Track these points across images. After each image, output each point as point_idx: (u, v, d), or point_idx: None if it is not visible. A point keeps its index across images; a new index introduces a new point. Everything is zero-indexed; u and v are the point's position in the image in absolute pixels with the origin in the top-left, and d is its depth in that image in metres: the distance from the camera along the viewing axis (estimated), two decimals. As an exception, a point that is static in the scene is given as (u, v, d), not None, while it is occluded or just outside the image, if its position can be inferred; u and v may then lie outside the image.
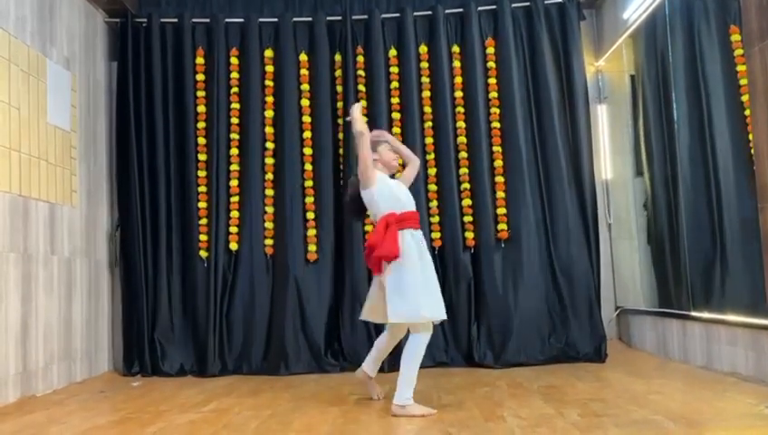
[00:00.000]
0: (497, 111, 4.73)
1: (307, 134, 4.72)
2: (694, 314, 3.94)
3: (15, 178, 3.65)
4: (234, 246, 4.64)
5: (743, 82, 3.47)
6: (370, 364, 3.38)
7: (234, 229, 4.66)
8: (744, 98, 3.42)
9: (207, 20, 4.83)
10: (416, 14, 4.83)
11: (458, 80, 4.77)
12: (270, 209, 4.68)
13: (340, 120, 4.74)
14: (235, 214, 4.67)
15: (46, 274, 3.91)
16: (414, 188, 4.58)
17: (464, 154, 4.71)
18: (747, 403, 2.87)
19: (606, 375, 3.90)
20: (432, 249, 4.60)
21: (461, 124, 4.73)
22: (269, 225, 4.67)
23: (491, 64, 4.78)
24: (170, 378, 4.38)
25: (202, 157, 4.71)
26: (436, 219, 4.66)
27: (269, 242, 4.66)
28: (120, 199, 4.70)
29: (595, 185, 4.75)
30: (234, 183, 4.69)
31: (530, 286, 4.54)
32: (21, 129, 3.73)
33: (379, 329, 4.42)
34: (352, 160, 4.60)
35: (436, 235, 4.64)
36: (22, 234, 3.69)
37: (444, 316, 3.09)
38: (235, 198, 4.69)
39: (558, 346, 4.45)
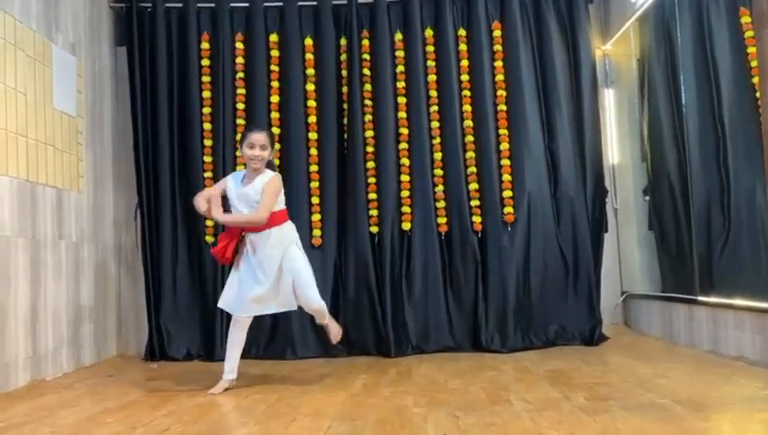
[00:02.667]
0: (504, 94, 4.70)
1: (312, 119, 4.71)
2: (700, 298, 3.93)
3: (23, 163, 3.66)
4: (240, 231, 4.65)
5: (753, 64, 3.44)
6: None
7: (240, 215, 4.66)
8: (755, 80, 3.39)
9: (212, 4, 4.80)
10: (422, -3, 4.80)
11: (464, 63, 4.74)
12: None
13: (345, 105, 4.72)
14: (241, 199, 4.67)
15: (54, 259, 3.93)
16: (420, 174, 4.63)
17: (470, 138, 4.69)
18: (754, 387, 2.87)
19: (612, 359, 3.91)
20: (438, 234, 4.61)
21: (467, 108, 4.71)
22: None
23: (497, 48, 4.75)
24: (177, 362, 4.40)
25: (208, 142, 4.71)
26: (442, 204, 4.65)
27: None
28: (137, 183, 4.65)
29: (603, 170, 4.73)
30: (240, 168, 4.69)
31: (536, 270, 4.56)
32: (28, 114, 3.73)
33: (385, 313, 4.44)
34: (356, 145, 4.61)
35: (442, 219, 4.64)
36: (29, 219, 3.70)
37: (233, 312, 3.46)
38: (241, 184, 4.68)
39: (557, 330, 4.48)
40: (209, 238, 4.62)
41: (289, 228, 3.48)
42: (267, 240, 3.36)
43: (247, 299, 3.38)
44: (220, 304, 3.53)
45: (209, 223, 4.62)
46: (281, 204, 3.46)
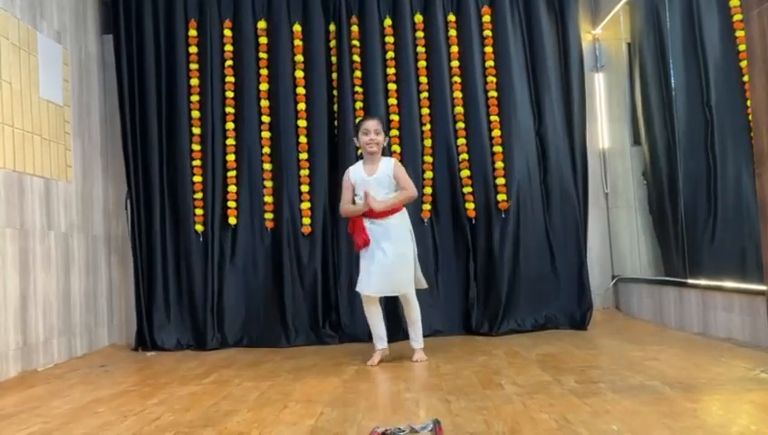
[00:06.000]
0: (494, 79, 4.70)
1: (301, 106, 4.68)
2: (690, 281, 3.96)
3: (9, 153, 3.63)
4: (232, 220, 4.63)
5: (742, 47, 3.44)
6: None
7: (232, 204, 4.65)
8: (743, 64, 3.40)
9: (199, -9, 4.76)
10: (411, -18, 4.77)
11: (454, 49, 4.73)
12: (269, 184, 4.66)
13: (335, 92, 4.70)
14: (232, 188, 4.65)
15: (43, 249, 3.91)
16: (411, 161, 4.63)
17: (461, 124, 4.69)
18: (743, 368, 2.90)
19: (603, 343, 3.93)
20: (429, 220, 4.62)
21: (458, 94, 4.70)
22: (268, 199, 4.65)
23: (487, 33, 4.74)
24: (168, 352, 4.40)
25: (196, 130, 4.67)
26: (428, 190, 4.65)
27: (269, 216, 4.64)
28: (126, 172, 4.63)
29: (586, 154, 4.74)
30: (230, 157, 4.66)
31: (527, 255, 4.59)
32: (13, 103, 3.69)
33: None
34: (346, 132, 4.60)
35: (427, 206, 4.63)
36: (18, 210, 3.68)
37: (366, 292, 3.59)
38: (232, 173, 4.66)
39: (548, 314, 4.51)
40: (199, 227, 4.60)
41: (406, 214, 3.67)
42: (394, 224, 3.57)
43: (375, 279, 3.53)
44: (358, 289, 3.63)
45: (198, 212, 4.61)
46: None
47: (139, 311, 4.53)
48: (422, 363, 3.52)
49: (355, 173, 3.66)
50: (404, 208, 3.66)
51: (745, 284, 3.43)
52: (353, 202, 3.65)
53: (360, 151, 3.90)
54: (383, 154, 3.70)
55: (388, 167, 3.61)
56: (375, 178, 3.58)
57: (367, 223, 3.56)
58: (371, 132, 3.59)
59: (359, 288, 3.64)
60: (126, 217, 4.67)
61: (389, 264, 3.52)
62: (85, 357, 4.23)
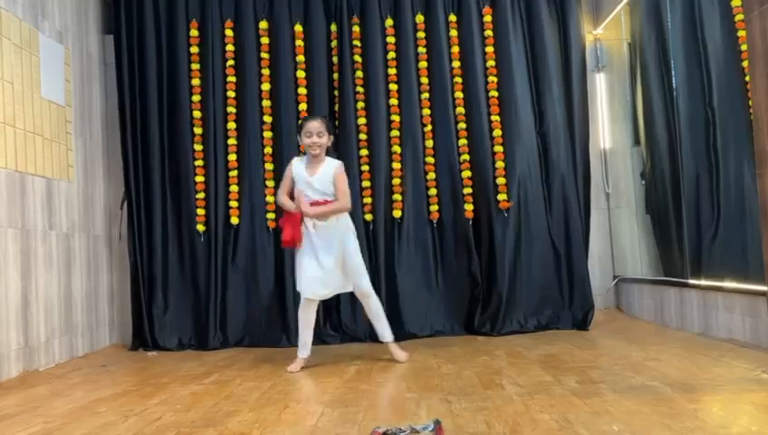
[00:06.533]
0: (495, 80, 4.70)
1: (303, 106, 4.69)
2: (691, 281, 3.95)
3: (11, 153, 3.63)
4: (234, 220, 4.64)
5: (744, 47, 3.44)
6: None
7: (234, 204, 4.65)
8: (745, 64, 3.39)
9: (201, -9, 4.76)
10: (412, -18, 4.77)
11: (455, 49, 4.73)
12: (271, 183, 4.66)
13: (336, 92, 4.71)
14: (234, 188, 4.65)
15: (45, 249, 3.92)
16: (412, 162, 4.63)
17: (462, 125, 4.69)
18: (744, 368, 2.90)
19: (604, 343, 3.93)
20: (430, 222, 4.63)
21: (459, 95, 4.70)
22: (270, 198, 4.65)
23: (488, 33, 4.74)
24: (170, 352, 4.40)
25: (198, 130, 4.68)
26: (433, 192, 4.66)
27: (271, 216, 4.64)
28: (124, 174, 4.65)
29: (588, 154, 4.74)
30: (232, 157, 4.67)
31: (528, 256, 4.59)
32: (15, 103, 3.70)
33: (380, 300, 4.45)
34: (347, 133, 4.60)
35: (434, 207, 4.64)
36: (19, 209, 3.68)
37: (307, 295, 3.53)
38: (234, 173, 4.67)
39: (550, 314, 4.51)
40: (201, 227, 4.60)
41: (346, 216, 3.60)
42: (329, 226, 3.51)
43: (314, 282, 3.51)
44: (298, 288, 3.58)
45: (200, 211, 4.62)
46: None
47: (140, 311, 4.53)
48: (422, 363, 3.51)
49: (297, 167, 3.57)
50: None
51: (746, 284, 3.43)
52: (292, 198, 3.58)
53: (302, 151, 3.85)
54: (328, 154, 3.61)
55: (330, 169, 3.52)
56: (315, 179, 3.50)
57: (309, 223, 3.50)
58: (314, 135, 3.49)
59: (303, 290, 3.54)
60: (120, 217, 4.67)
61: (331, 268, 3.49)
62: (87, 357, 4.23)
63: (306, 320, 3.58)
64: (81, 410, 2.74)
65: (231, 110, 4.70)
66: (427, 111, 4.70)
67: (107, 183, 4.77)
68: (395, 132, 4.67)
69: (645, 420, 2.16)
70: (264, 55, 4.73)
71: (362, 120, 4.66)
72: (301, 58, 4.72)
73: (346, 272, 3.57)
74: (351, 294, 4.45)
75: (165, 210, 4.63)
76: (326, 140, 3.54)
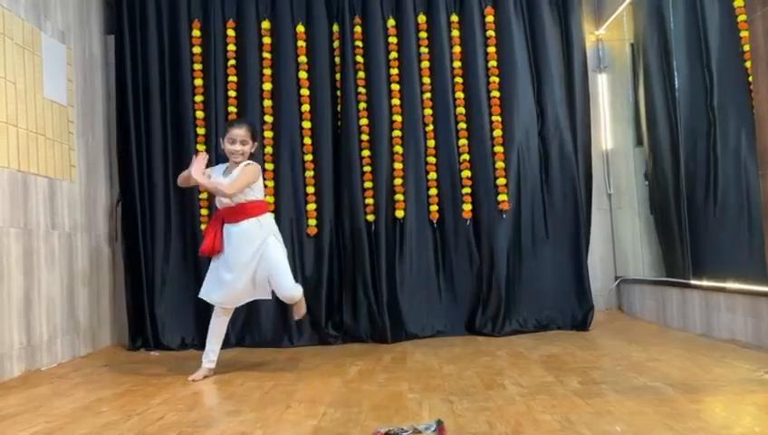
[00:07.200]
0: (497, 80, 4.69)
1: (305, 107, 4.69)
2: (693, 282, 3.95)
3: (14, 153, 3.64)
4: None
5: (746, 48, 3.44)
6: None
7: (236, 204, 4.64)
8: (748, 64, 3.39)
9: (203, -9, 4.76)
10: (414, -18, 4.77)
11: (457, 49, 4.73)
12: (270, 184, 4.66)
13: (338, 93, 4.71)
14: (236, 188, 4.65)
15: (47, 248, 3.92)
16: (414, 162, 4.63)
17: (463, 125, 4.69)
18: (746, 369, 2.89)
19: (606, 343, 3.93)
20: (431, 222, 4.63)
21: (460, 95, 4.70)
22: (271, 199, 4.65)
23: (490, 33, 4.73)
24: (172, 352, 4.40)
25: (200, 130, 4.68)
26: (434, 191, 4.66)
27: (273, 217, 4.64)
28: (119, 175, 4.68)
29: (590, 155, 4.74)
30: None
31: (529, 256, 4.59)
32: (18, 103, 3.70)
33: (379, 300, 4.45)
34: (350, 133, 4.60)
35: (435, 207, 4.64)
36: (22, 209, 3.69)
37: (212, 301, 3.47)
38: (235, 172, 4.66)
39: (550, 314, 4.51)
40: (203, 227, 4.60)
41: (266, 220, 3.47)
42: (241, 231, 3.39)
43: (225, 289, 3.41)
44: (201, 295, 3.52)
45: (203, 211, 4.62)
46: (257, 194, 3.44)
47: (142, 311, 4.53)
48: (424, 363, 3.51)
49: (218, 170, 3.51)
50: (264, 214, 3.46)
51: (748, 285, 3.43)
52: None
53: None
54: (251, 158, 3.48)
55: (239, 168, 3.39)
56: (228, 179, 3.40)
57: (227, 228, 3.40)
58: (237, 142, 3.37)
59: (213, 299, 3.44)
60: (115, 217, 4.67)
61: (235, 278, 3.36)
62: (89, 357, 4.23)
63: (218, 326, 3.46)
64: (82, 409, 2.74)
65: (233, 109, 4.70)
66: (428, 111, 4.69)
67: (109, 183, 4.77)
68: (397, 133, 4.67)
69: (647, 420, 2.16)
70: (266, 55, 4.73)
71: (364, 121, 4.66)
72: (303, 59, 4.72)
73: (257, 280, 3.40)
74: (355, 295, 4.50)
75: (168, 210, 4.63)
76: (249, 148, 3.41)
